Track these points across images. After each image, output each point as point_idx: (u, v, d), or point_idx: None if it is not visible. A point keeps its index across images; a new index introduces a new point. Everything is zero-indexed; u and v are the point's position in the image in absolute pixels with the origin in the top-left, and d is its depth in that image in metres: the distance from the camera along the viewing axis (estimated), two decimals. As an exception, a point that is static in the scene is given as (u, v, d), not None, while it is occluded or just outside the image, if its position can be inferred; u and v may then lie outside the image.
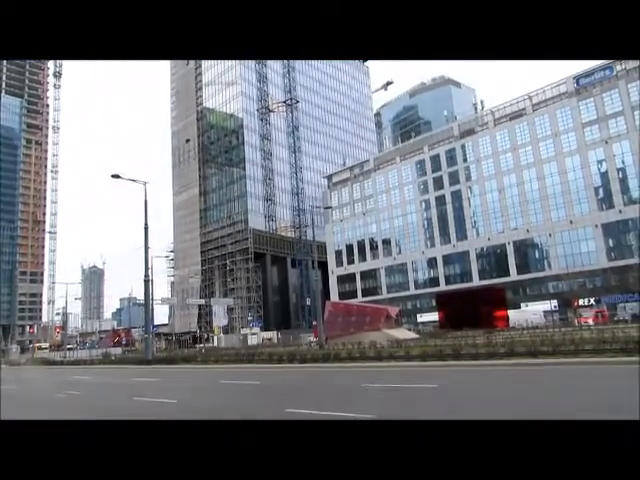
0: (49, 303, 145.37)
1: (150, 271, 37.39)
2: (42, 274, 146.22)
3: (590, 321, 48.08)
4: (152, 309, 43.66)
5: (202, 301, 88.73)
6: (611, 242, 63.08)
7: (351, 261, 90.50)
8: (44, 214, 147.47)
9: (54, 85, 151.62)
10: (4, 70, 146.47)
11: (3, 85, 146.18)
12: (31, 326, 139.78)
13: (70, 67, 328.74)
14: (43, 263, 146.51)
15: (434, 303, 65.89)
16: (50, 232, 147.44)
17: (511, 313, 55.51)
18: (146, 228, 35.71)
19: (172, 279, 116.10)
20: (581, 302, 62.52)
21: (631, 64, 62.34)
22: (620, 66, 63.80)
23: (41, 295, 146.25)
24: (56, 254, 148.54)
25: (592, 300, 62.42)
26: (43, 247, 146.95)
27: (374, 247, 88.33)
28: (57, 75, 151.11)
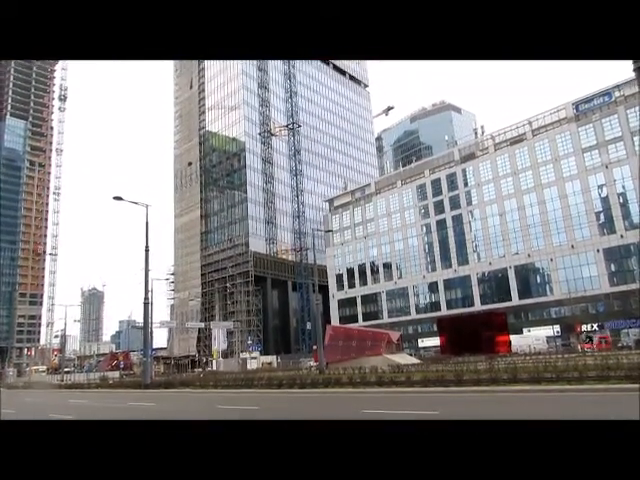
0: (48, 325, 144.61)
1: (150, 294, 37.16)
2: (42, 296, 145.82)
3: (594, 347, 47.63)
4: (151, 332, 43.27)
5: (201, 324, 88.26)
6: (613, 267, 62.90)
7: (352, 285, 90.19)
8: (45, 236, 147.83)
9: (59, 108, 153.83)
10: (10, 92, 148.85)
11: (8, 107, 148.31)
12: (29, 349, 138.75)
13: (75, 89, 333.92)
14: (43, 285, 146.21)
15: (435, 328, 65.38)
16: (51, 254, 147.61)
17: (514, 338, 55.08)
18: (147, 250, 35.53)
19: (172, 302, 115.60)
20: (584, 328, 62.05)
21: (629, 90, 63.15)
22: (619, 92, 64.67)
23: (40, 317, 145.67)
24: (56, 276, 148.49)
25: (595, 326, 61.91)
26: (43, 269, 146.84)
27: (375, 271, 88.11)
28: (62, 98, 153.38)
